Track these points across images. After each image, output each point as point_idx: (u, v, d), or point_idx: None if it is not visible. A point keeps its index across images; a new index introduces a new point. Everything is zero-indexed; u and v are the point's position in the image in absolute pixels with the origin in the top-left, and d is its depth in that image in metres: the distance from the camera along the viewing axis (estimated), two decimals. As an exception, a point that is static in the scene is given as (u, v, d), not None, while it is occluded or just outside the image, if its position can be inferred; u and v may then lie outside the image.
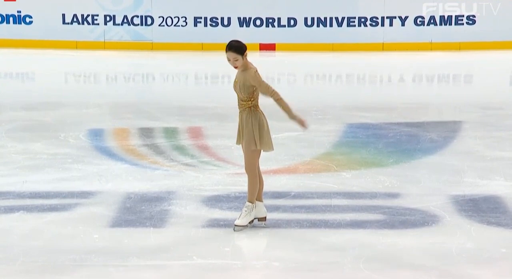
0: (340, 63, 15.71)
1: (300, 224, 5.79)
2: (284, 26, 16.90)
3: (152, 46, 16.96)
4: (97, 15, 16.97)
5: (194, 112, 10.37)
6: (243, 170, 5.75)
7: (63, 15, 16.97)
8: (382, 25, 16.84)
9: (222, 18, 16.88)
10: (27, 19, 17.05)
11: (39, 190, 6.62)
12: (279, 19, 16.88)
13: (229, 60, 5.53)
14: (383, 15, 16.81)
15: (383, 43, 16.88)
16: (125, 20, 16.98)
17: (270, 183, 6.67)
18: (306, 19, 16.88)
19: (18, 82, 14.22)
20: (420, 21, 16.86)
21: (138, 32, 17.01)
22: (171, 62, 15.73)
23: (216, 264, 5.10)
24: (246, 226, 5.61)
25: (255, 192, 5.62)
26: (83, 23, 16.98)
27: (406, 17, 16.85)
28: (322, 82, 14.38)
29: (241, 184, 6.43)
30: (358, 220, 5.88)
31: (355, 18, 16.85)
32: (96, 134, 8.94)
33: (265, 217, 5.71)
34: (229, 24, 16.84)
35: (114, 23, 17.00)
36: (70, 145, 8.34)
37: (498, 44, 16.78)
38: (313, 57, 16.13)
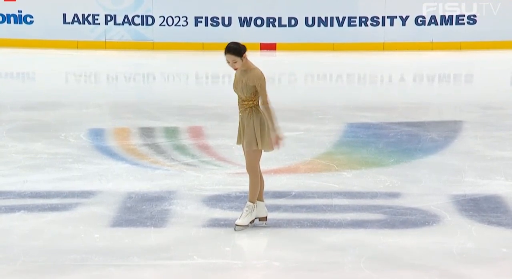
0: (341, 62, 15.71)
1: (300, 223, 5.79)
2: (285, 25, 16.90)
3: (152, 46, 16.96)
4: (98, 15, 16.97)
5: (194, 111, 10.37)
6: (244, 170, 5.75)
7: (64, 15, 16.97)
8: (383, 24, 16.84)
9: (223, 18, 16.88)
10: (28, 19, 17.05)
11: (39, 190, 6.62)
12: (279, 18, 16.88)
13: (228, 62, 5.53)
14: (383, 15, 16.81)
15: (383, 43, 16.87)
16: (126, 20, 16.98)
17: (270, 183, 6.66)
18: (306, 18, 16.88)
19: (19, 82, 14.22)
20: (421, 21, 16.86)
21: (139, 32, 17.01)
22: (171, 62, 15.73)
23: (216, 263, 5.10)
24: (247, 226, 5.61)
25: (257, 192, 5.62)
26: (83, 23, 16.98)
27: (407, 17, 16.84)
28: (322, 82, 14.38)
29: (242, 184, 6.43)
30: (358, 219, 5.88)
31: (355, 17, 16.85)
32: (97, 134, 8.94)
33: (266, 217, 5.72)
34: (229, 23, 16.84)
35: (115, 23, 17.00)
36: (70, 144, 8.34)
37: (498, 44, 16.78)
38: (314, 57, 16.13)
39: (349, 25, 16.85)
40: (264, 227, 5.68)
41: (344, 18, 16.84)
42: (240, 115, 5.62)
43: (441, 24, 16.88)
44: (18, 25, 17.06)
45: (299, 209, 6.13)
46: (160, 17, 16.93)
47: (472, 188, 6.71)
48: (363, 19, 16.84)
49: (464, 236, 5.56)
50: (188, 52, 16.37)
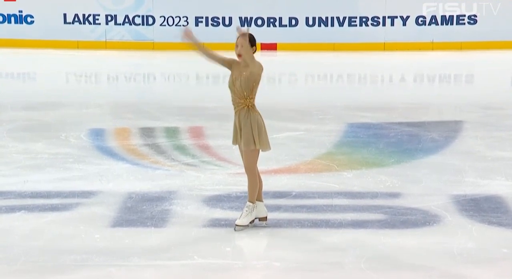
0: (341, 63, 15.71)
1: (301, 224, 5.79)
2: (286, 25, 16.90)
3: (153, 46, 16.97)
4: (98, 15, 16.98)
5: (195, 112, 10.37)
6: (244, 170, 5.75)
7: (65, 15, 16.98)
8: (384, 24, 16.85)
9: (224, 18, 16.89)
10: (29, 19, 17.06)
11: (40, 190, 6.62)
12: (280, 18, 16.89)
13: (236, 46, 5.46)
14: (384, 15, 16.81)
15: (384, 43, 16.88)
16: (126, 20, 16.99)
17: (271, 183, 6.67)
18: (307, 18, 16.88)
19: (19, 82, 14.23)
20: (421, 21, 16.86)
21: (139, 32, 17.01)
22: (172, 62, 15.73)
23: (217, 264, 5.10)
24: (247, 226, 5.61)
25: (256, 192, 5.62)
26: (84, 23, 16.99)
27: (408, 17, 16.84)
28: (323, 82, 14.38)
29: (242, 184, 6.42)
30: (359, 220, 5.88)
31: (356, 17, 16.85)
32: (97, 134, 8.94)
33: (266, 217, 5.71)
34: (230, 23, 16.84)
35: (115, 23, 17.01)
36: (71, 145, 8.34)
37: (499, 44, 16.78)
38: (314, 57, 16.13)
39: (349, 25, 16.86)
40: (264, 227, 5.68)
41: (344, 18, 16.84)
42: (235, 115, 5.60)
43: (442, 24, 16.88)
44: (18, 25, 17.07)
45: (300, 209, 6.12)
46: (160, 17, 16.94)
47: (472, 188, 6.71)
48: (364, 19, 16.85)
49: (465, 236, 5.56)
50: (189, 52, 16.34)
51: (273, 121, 9.08)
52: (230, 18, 16.86)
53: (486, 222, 5.85)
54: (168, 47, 16.73)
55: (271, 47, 16.86)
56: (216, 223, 5.80)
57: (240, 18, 16.81)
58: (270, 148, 5.62)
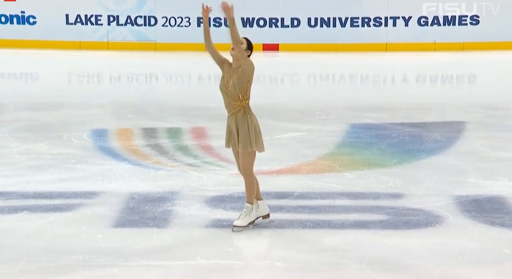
0: (343, 63, 15.70)
1: (303, 224, 5.79)
2: (288, 26, 16.90)
3: (155, 47, 16.97)
4: (101, 16, 16.99)
5: (197, 112, 10.37)
6: (240, 172, 5.73)
7: (67, 16, 16.99)
8: (386, 25, 16.84)
9: (226, 19, 16.89)
10: (31, 20, 17.07)
11: (42, 190, 6.62)
12: (282, 19, 16.88)
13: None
14: (386, 16, 16.80)
15: (386, 44, 16.87)
16: (129, 21, 17.00)
17: (273, 184, 6.67)
18: (309, 19, 16.87)
19: (22, 82, 14.24)
20: (423, 22, 16.85)
21: (142, 33, 17.02)
22: (174, 63, 15.74)
23: (219, 264, 5.10)
24: (246, 227, 5.59)
25: (254, 192, 5.60)
26: (86, 24, 17.00)
27: (410, 18, 16.84)
28: (325, 83, 14.37)
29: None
30: (361, 220, 5.88)
31: (358, 18, 16.84)
32: (100, 135, 8.95)
33: (268, 214, 5.71)
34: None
35: (118, 24, 17.02)
36: (73, 145, 8.35)
37: (501, 45, 16.77)
38: (316, 57, 16.13)
39: (351, 25, 16.85)
40: (266, 227, 5.68)
41: (346, 18, 16.84)
42: (231, 117, 5.52)
43: (444, 24, 16.87)
44: (21, 25, 17.08)
45: (302, 210, 6.12)
46: (162, 17, 16.94)
47: (475, 189, 6.70)
48: (366, 20, 16.84)
49: (467, 237, 5.55)
50: (191, 53, 16.37)
51: (275, 121, 9.08)
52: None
53: (489, 223, 5.85)
54: (170, 48, 16.74)
55: (273, 47, 16.85)
56: (218, 224, 5.80)
57: (242, 18, 16.81)
58: (264, 149, 5.60)
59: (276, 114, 9.71)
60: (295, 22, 16.90)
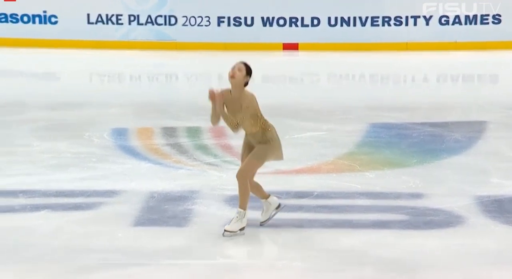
0: (364, 62, 15.65)
1: (322, 224, 5.78)
2: (307, 25, 16.86)
3: (175, 46, 17.01)
4: (121, 15, 17.06)
5: (217, 111, 10.37)
6: (266, 170, 5.74)
7: (88, 15, 17.09)
8: (406, 24, 16.75)
9: (246, 18, 16.88)
10: (53, 19, 17.19)
11: (63, 189, 6.66)
12: (302, 18, 16.85)
13: (233, 67, 5.38)
14: (407, 15, 16.72)
15: (407, 43, 16.78)
16: (149, 20, 17.06)
17: (293, 183, 6.66)
18: (329, 18, 16.83)
19: (43, 81, 14.34)
20: (444, 21, 16.75)
21: (162, 32, 17.07)
22: (194, 62, 15.77)
23: (238, 264, 5.10)
24: (236, 232, 5.46)
25: (247, 198, 5.48)
26: (107, 23, 17.08)
27: (431, 17, 16.74)
28: (345, 82, 14.34)
29: (264, 184, 6.41)
30: (381, 220, 5.86)
31: (378, 17, 16.77)
32: (120, 134, 8.99)
33: (280, 204, 5.66)
34: (252, 23, 16.84)
35: (138, 23, 17.08)
36: (94, 144, 8.39)
37: (524, 44, 16.62)
38: (336, 57, 16.08)
39: (372, 25, 16.78)
40: (286, 227, 5.66)
41: (367, 18, 16.77)
42: (250, 136, 5.47)
43: (465, 23, 16.75)
44: (42, 25, 17.20)
45: (321, 209, 6.11)
46: (183, 17, 16.98)
47: (496, 189, 6.66)
48: (386, 19, 16.76)
49: (488, 238, 5.51)
50: (211, 52, 16.40)
51: (294, 121, 9.06)
52: (252, 18, 16.86)
53: (510, 223, 5.80)
54: (190, 47, 16.77)
55: (293, 47, 16.83)
56: (238, 223, 5.80)
57: (262, 18, 16.80)
58: (283, 158, 5.57)
59: (295, 114, 9.70)
60: (315, 21, 16.86)
